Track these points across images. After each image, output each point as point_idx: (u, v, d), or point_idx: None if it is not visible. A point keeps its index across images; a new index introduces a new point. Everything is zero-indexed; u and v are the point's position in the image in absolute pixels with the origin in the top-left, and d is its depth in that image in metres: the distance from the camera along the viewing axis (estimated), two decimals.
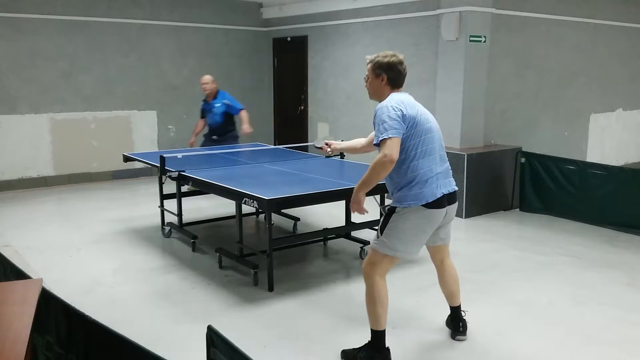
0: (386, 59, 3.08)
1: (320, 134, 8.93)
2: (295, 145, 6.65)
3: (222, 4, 9.22)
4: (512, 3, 6.96)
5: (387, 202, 3.50)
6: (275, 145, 8.88)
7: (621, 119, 9.22)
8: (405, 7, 7.21)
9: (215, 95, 6.89)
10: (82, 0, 7.93)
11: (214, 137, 6.96)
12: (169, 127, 8.93)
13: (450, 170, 3.20)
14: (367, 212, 3.13)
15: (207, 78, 6.91)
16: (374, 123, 2.94)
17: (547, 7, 7.38)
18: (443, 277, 3.44)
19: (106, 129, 8.34)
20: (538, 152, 6.77)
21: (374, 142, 2.94)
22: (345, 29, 8.21)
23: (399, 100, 2.97)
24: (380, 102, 3.04)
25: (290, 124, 9.63)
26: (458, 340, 3.46)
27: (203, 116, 7.07)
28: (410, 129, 2.93)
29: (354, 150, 3.84)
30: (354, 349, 3.20)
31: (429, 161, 2.99)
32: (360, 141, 3.78)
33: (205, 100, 6.98)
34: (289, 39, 9.38)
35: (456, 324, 3.49)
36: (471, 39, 6.40)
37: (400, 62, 3.09)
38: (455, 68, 6.51)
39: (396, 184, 3.05)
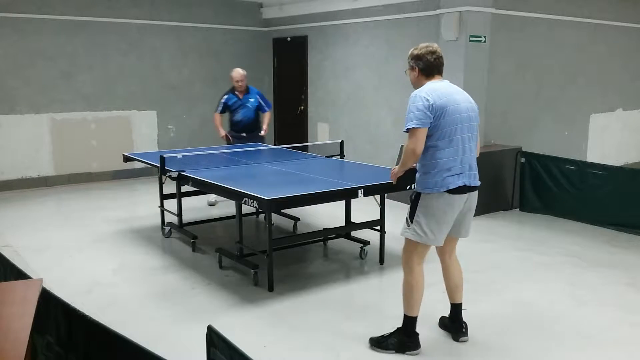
0: (416, 51, 3.18)
1: (320, 133, 8.93)
2: (296, 145, 6.65)
3: (222, 4, 9.22)
4: (512, 3, 6.96)
5: (388, 201, 3.50)
6: (275, 145, 8.88)
7: (621, 119, 9.21)
8: (405, 7, 7.21)
9: (247, 90, 6.75)
10: (82, 0, 7.93)
11: (244, 134, 6.79)
12: (169, 127, 8.93)
13: (475, 163, 3.22)
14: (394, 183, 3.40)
15: (242, 73, 6.67)
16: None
17: (547, 7, 7.38)
18: (449, 270, 3.50)
19: (106, 129, 8.33)
20: (538, 152, 6.77)
21: (404, 130, 3.06)
22: (345, 29, 8.21)
23: (431, 89, 3.06)
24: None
25: (291, 124, 9.63)
26: (461, 341, 3.45)
27: (223, 112, 6.83)
28: (438, 119, 3.01)
29: None
30: (382, 335, 3.32)
31: (452, 152, 3.08)
32: None
33: (234, 95, 6.76)
34: (289, 39, 9.38)
35: (458, 325, 3.50)
36: (471, 39, 6.40)
37: (430, 52, 3.14)
38: (455, 68, 6.51)
39: (422, 170, 3.16)
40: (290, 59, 9.47)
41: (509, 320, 3.78)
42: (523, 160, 6.67)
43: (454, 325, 3.52)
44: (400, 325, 3.33)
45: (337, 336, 3.54)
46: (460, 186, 3.10)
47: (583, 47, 8.13)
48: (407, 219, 3.21)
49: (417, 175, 3.20)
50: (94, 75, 8.18)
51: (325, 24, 8.53)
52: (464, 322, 3.51)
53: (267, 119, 6.81)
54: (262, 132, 6.77)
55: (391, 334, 3.32)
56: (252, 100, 6.72)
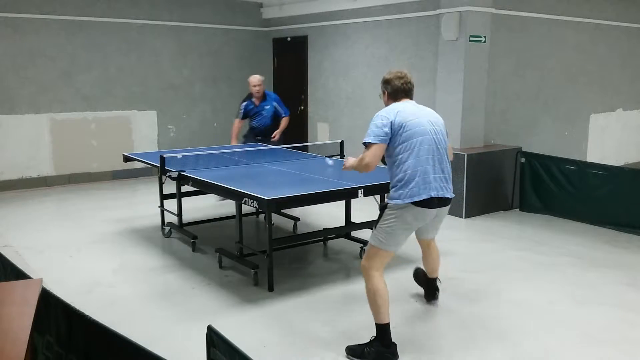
0: (386, 76, 3.42)
1: (320, 133, 8.94)
2: (296, 145, 6.65)
3: (222, 4, 9.22)
4: (512, 3, 6.96)
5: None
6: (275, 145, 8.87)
7: (621, 119, 9.22)
8: (405, 7, 7.21)
9: (264, 97, 6.77)
10: (82, 0, 7.94)
11: (258, 138, 6.87)
12: (169, 127, 8.93)
13: (449, 175, 3.33)
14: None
15: (259, 79, 6.69)
16: None
17: (547, 7, 7.38)
18: (429, 255, 3.86)
19: (106, 129, 8.34)
20: (538, 152, 6.77)
21: (362, 141, 3.24)
22: (345, 29, 8.21)
23: (391, 109, 3.27)
24: None
25: (291, 124, 9.59)
26: (432, 304, 3.93)
27: (244, 117, 6.89)
28: (398, 134, 3.17)
29: None
30: (359, 344, 3.27)
31: (418, 163, 3.16)
32: None
33: (251, 102, 6.79)
34: (289, 39, 9.38)
35: (432, 292, 3.96)
36: (471, 39, 6.40)
37: (398, 78, 3.36)
38: (455, 68, 6.51)
39: (391, 184, 3.28)
40: (290, 59, 9.47)
41: (509, 321, 3.78)
42: (523, 160, 6.66)
43: (429, 290, 3.97)
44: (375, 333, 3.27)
45: (337, 336, 3.53)
46: (426, 199, 3.15)
47: (583, 47, 8.13)
48: (374, 226, 3.35)
49: (391, 188, 3.29)
50: (94, 75, 8.19)
51: (325, 24, 8.53)
52: (438, 290, 3.98)
53: (283, 125, 6.83)
54: (275, 138, 6.84)
55: (368, 343, 3.25)
56: (267, 107, 6.77)
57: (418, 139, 3.17)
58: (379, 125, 3.17)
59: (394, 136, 3.16)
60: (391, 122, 3.16)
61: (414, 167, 3.14)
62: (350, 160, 3.46)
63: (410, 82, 3.37)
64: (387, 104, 3.39)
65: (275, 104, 6.82)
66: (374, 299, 3.21)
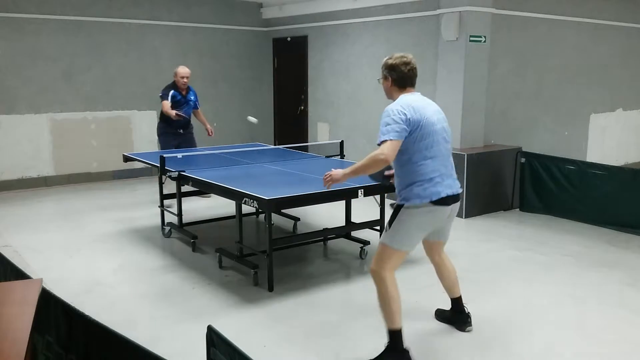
0: (390, 61, 3.14)
1: (320, 133, 8.94)
2: (296, 145, 6.65)
3: (222, 4, 9.22)
4: (512, 3, 6.96)
5: (388, 201, 3.49)
6: (275, 145, 8.88)
7: (621, 119, 9.21)
8: (405, 7, 7.21)
9: (187, 88, 6.85)
10: (82, 0, 7.93)
11: (180, 130, 6.82)
12: None
13: (454, 172, 3.25)
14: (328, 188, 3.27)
15: (188, 71, 6.72)
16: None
17: (547, 7, 7.38)
18: (441, 270, 3.54)
19: (106, 129, 8.33)
20: (538, 152, 6.77)
21: (377, 142, 2.95)
22: (345, 29, 8.21)
23: (406, 103, 3.01)
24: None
25: (290, 124, 9.63)
26: (467, 331, 3.55)
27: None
28: (414, 132, 2.97)
29: None
30: (374, 358, 3.13)
31: (433, 162, 3.04)
32: None
33: (178, 92, 6.73)
34: (289, 39, 9.38)
35: (464, 317, 3.58)
36: (471, 39, 6.40)
37: (405, 63, 3.11)
38: (455, 68, 6.51)
39: (403, 183, 3.11)
40: (290, 59, 9.47)
41: (509, 321, 3.78)
42: (523, 160, 6.66)
43: (460, 317, 3.58)
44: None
45: (337, 336, 3.54)
46: (443, 197, 3.05)
47: (583, 47, 8.13)
48: (386, 225, 3.18)
49: (399, 189, 3.14)
50: (94, 75, 8.18)
51: (325, 24, 8.53)
52: (468, 312, 3.59)
53: (203, 117, 7.16)
54: (212, 135, 7.13)
55: (381, 354, 3.11)
56: (192, 98, 6.88)
57: (433, 137, 3.01)
58: (397, 121, 2.91)
59: (410, 134, 2.94)
60: (409, 119, 2.93)
61: (431, 166, 3.02)
62: (337, 172, 3.14)
63: (415, 68, 3.14)
64: (389, 92, 3.18)
65: (195, 95, 6.94)
66: (388, 304, 3.05)
